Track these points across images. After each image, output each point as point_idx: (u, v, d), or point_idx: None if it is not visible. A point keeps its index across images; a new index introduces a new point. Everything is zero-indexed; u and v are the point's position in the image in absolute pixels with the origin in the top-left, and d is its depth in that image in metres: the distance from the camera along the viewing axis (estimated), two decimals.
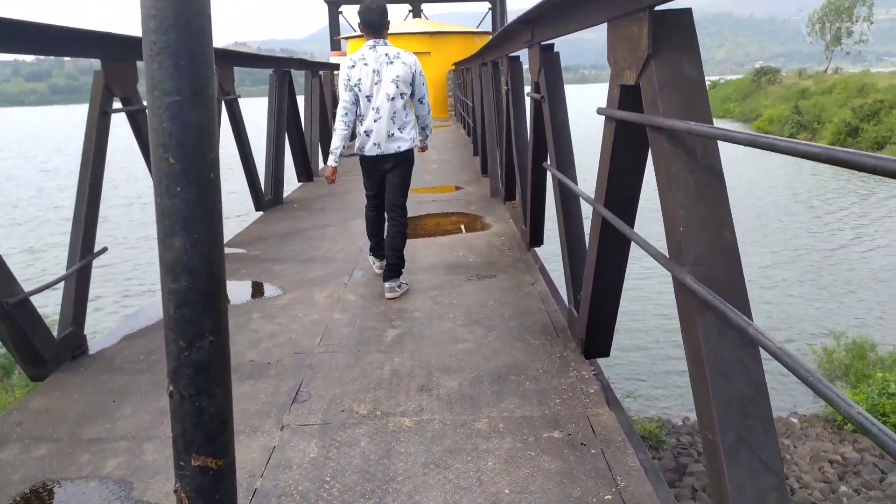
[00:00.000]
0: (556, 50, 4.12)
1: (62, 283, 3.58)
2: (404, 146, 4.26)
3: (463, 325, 3.73)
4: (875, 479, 5.51)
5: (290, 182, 9.54)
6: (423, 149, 4.83)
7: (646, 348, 9.21)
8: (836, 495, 5.24)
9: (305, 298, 4.32)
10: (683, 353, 1.93)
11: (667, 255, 2.01)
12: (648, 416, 7.14)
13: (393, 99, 4.16)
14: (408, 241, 4.57)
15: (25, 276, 12.90)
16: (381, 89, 4.14)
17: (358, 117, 4.25)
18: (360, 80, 4.13)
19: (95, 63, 3.88)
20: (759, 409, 1.69)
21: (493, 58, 7.61)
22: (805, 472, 5.59)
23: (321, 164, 10.74)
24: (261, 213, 7.35)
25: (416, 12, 27.21)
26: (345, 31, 25.72)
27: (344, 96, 4.18)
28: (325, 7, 26.28)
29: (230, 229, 8.25)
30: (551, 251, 4.73)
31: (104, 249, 3.84)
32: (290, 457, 2.50)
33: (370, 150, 4.24)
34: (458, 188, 8.48)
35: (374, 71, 4.12)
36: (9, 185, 29.97)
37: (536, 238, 5.29)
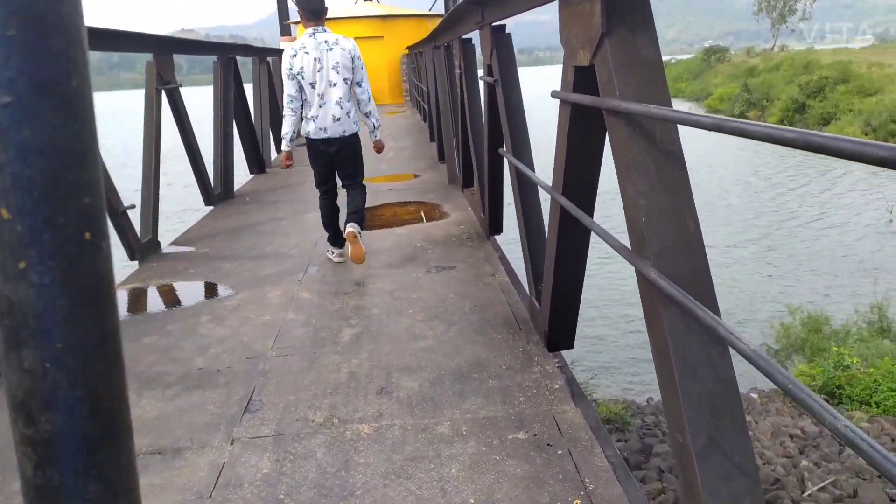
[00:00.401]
0: (508, 31, 3.99)
1: None
2: (350, 130, 4.40)
3: (422, 320, 3.61)
4: (834, 452, 5.61)
5: (243, 174, 9.26)
6: (378, 148, 4.82)
7: (615, 333, 9.24)
8: (798, 469, 5.32)
9: (258, 298, 4.13)
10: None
11: (628, 245, 1.91)
12: (614, 398, 7.16)
13: (335, 85, 4.29)
14: (364, 233, 4.53)
15: None
16: (323, 76, 4.27)
17: (304, 103, 4.35)
18: (302, 68, 4.24)
19: None
20: (729, 408, 1.61)
21: (445, 41, 7.44)
22: (767, 448, 5.66)
23: (273, 155, 10.43)
24: (211, 207, 7.07)
25: None
26: (294, 15, 25.08)
27: (288, 85, 4.29)
28: None
29: (184, 225, 7.91)
30: (513, 238, 4.64)
31: None
32: (242, 474, 2.34)
33: (316, 134, 4.36)
34: (415, 176, 8.32)
35: (315, 59, 4.23)
36: None
37: (496, 226, 5.19)
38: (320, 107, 4.27)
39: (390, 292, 4.08)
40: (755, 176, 20.81)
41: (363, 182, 4.60)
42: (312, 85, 4.24)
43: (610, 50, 1.91)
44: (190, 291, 4.47)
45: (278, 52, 12.70)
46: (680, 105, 45.28)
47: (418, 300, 3.92)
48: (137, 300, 4.29)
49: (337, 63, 4.25)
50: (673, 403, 1.65)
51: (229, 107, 7.69)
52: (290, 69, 4.22)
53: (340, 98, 4.28)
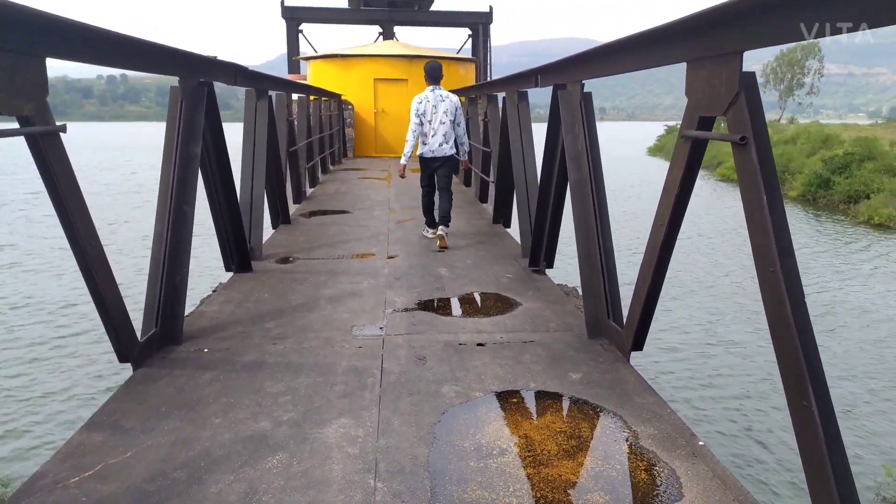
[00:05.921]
0: None
1: None
2: (448, 152, 6.81)
3: None
4: None
5: (214, 271, 5.78)
6: (466, 166, 7.89)
7: None
8: None
9: None
10: None
11: None
12: None
13: (443, 123, 6.73)
14: None
15: None
16: (436, 118, 6.73)
17: (421, 134, 6.79)
18: (424, 110, 6.74)
19: None
20: None
21: (555, 82, 4.12)
22: None
23: (266, 236, 6.94)
24: (129, 369, 3.52)
25: (388, 34, 23.92)
26: (305, 51, 22.15)
27: (414, 119, 6.76)
28: (284, 32, 22.75)
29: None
30: None
31: None
32: None
33: (427, 153, 6.83)
34: (512, 302, 4.81)
35: (433, 105, 6.73)
36: None
37: None
38: (432, 136, 6.76)
39: None
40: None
41: (451, 188, 6.99)
42: (430, 122, 6.74)
43: None
44: None
45: (287, 86, 9.34)
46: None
47: None
48: None
49: (446, 110, 6.74)
50: None
51: (192, 166, 4.25)
52: (417, 110, 6.75)
53: (445, 133, 6.76)
